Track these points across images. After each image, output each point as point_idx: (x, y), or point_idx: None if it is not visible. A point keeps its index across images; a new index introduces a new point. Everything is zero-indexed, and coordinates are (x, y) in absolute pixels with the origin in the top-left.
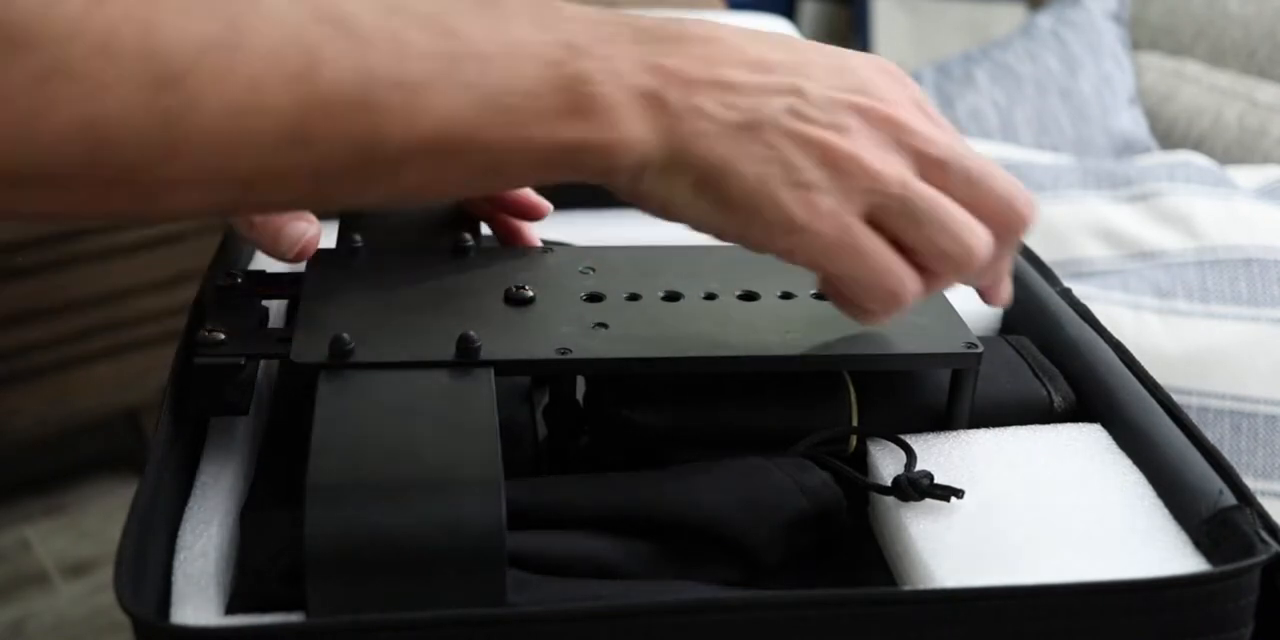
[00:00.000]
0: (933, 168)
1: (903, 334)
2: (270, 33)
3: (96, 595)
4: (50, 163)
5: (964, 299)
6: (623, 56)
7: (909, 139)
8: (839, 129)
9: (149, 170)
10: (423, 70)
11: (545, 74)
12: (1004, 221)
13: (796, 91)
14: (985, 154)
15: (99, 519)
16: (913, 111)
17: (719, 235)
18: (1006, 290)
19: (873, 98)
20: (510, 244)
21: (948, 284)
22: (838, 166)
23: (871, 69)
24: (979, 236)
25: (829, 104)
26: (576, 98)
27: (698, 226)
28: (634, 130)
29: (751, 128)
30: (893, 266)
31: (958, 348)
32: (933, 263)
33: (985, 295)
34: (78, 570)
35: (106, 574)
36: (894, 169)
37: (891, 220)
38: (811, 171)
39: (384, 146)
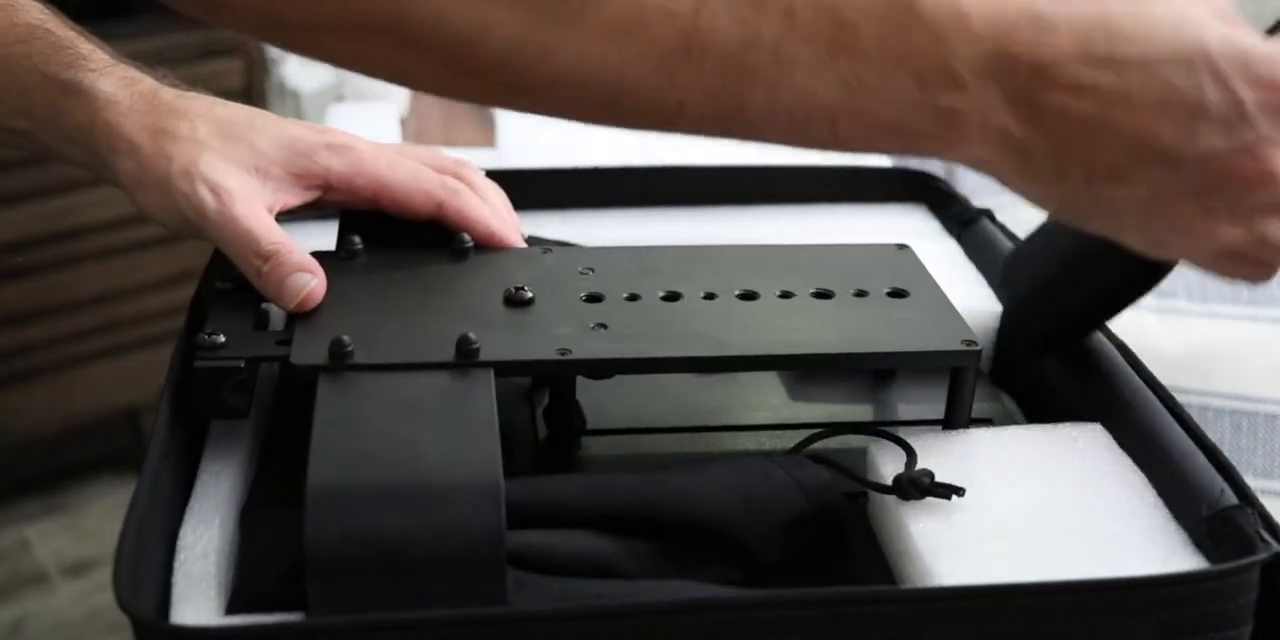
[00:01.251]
0: None
1: (901, 332)
2: None
3: (96, 595)
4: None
5: (963, 298)
6: (998, 105)
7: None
8: (1201, 202)
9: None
10: (803, 50)
11: (915, 97)
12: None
13: (1171, 162)
14: None
15: (99, 519)
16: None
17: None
18: None
19: (1256, 158)
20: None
21: None
22: (1192, 232)
23: (1268, 114)
24: None
25: (1198, 178)
26: (938, 134)
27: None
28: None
29: (1109, 203)
30: None
31: (957, 346)
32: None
33: None
34: (77, 570)
35: (106, 574)
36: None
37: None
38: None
39: (746, 104)
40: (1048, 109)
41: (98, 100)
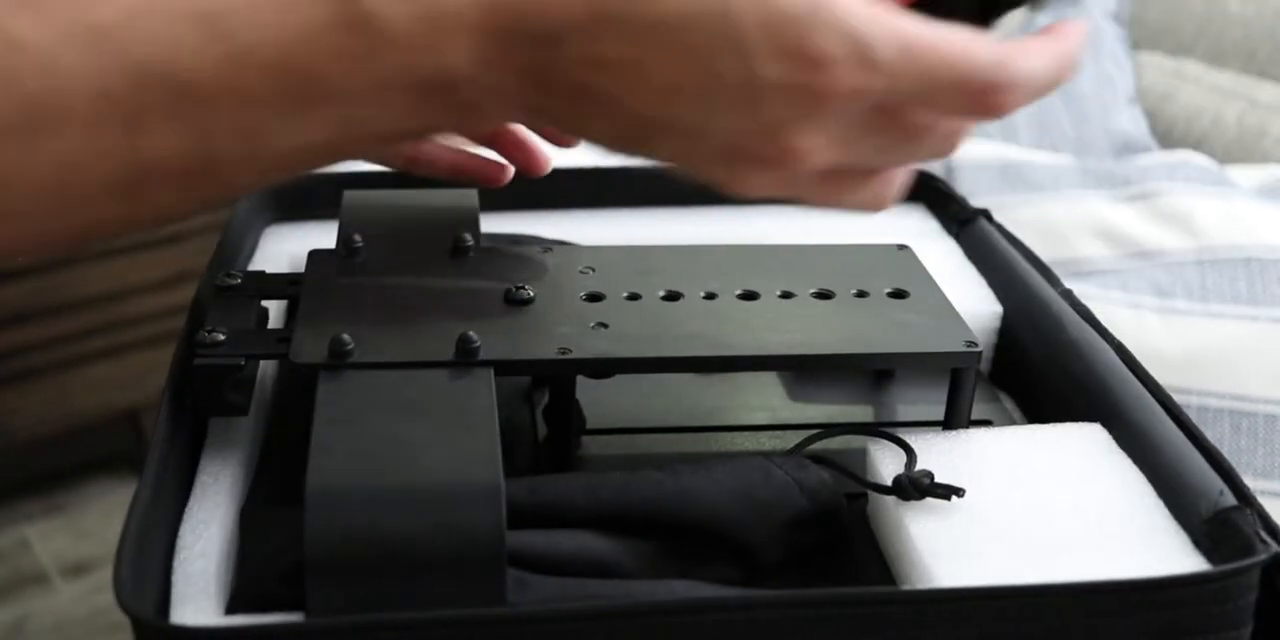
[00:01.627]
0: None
1: (902, 333)
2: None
3: (96, 595)
4: None
5: (962, 298)
6: (504, 100)
7: (807, 168)
8: (729, 165)
9: None
10: (266, 116)
11: (416, 106)
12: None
13: (692, 134)
14: (984, 154)
15: (99, 519)
16: (812, 154)
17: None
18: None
19: (773, 144)
20: (515, 160)
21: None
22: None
23: (783, 95)
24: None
25: (720, 149)
26: (446, 120)
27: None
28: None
29: (632, 151)
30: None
31: (958, 347)
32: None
33: None
34: (77, 570)
35: (106, 574)
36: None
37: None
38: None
39: (232, 186)
40: (562, 82)
41: None
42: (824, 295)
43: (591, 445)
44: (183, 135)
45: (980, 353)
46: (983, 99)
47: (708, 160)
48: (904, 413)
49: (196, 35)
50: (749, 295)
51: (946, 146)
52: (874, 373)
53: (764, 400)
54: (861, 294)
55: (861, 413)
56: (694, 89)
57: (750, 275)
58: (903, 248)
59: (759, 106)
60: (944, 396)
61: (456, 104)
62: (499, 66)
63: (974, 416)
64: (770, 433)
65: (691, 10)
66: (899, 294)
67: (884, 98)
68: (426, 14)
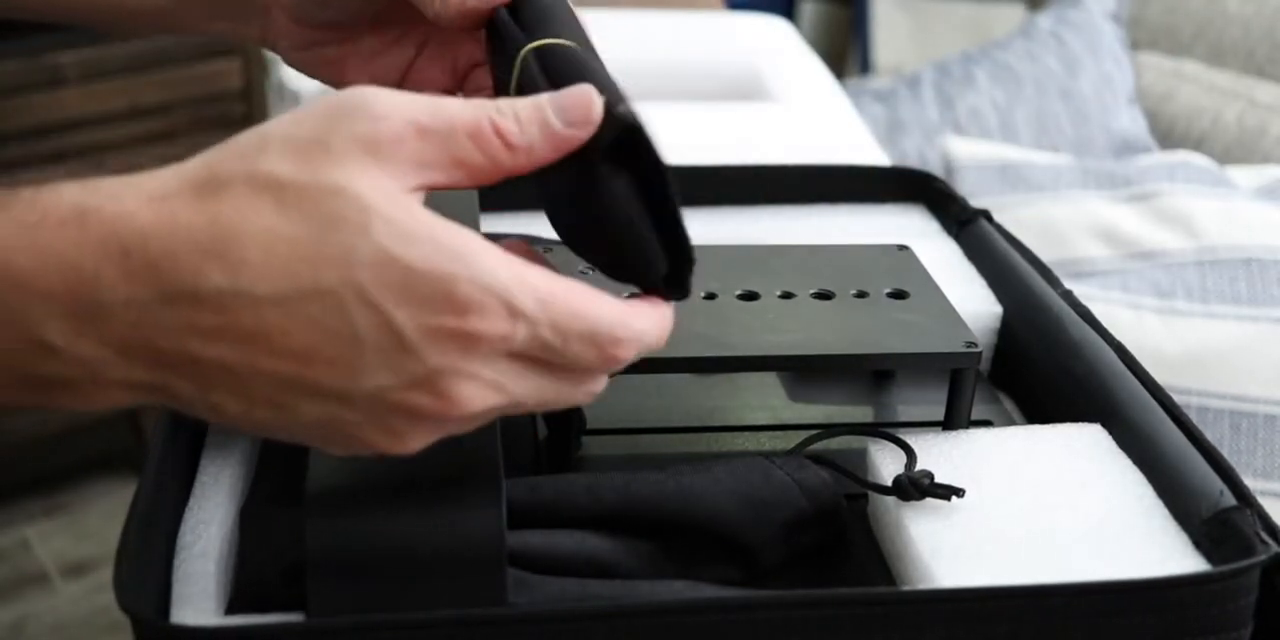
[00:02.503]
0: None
1: (902, 333)
2: None
3: (96, 595)
4: None
5: (962, 299)
6: (112, 356)
7: (451, 425)
8: (386, 431)
9: None
10: None
11: (4, 379)
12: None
13: (340, 398)
14: (984, 154)
15: (99, 519)
16: (469, 398)
17: None
18: None
19: (431, 392)
20: None
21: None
22: (371, 446)
23: (440, 341)
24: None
25: (375, 410)
26: (46, 399)
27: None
28: (127, 401)
29: (280, 424)
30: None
31: (957, 347)
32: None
33: None
34: (78, 570)
35: (106, 574)
36: (417, 445)
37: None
38: (339, 446)
39: None
40: (172, 356)
41: None
42: (824, 296)
43: (592, 445)
44: None
45: (980, 353)
46: (608, 348)
47: (362, 425)
48: (904, 413)
49: None
50: (749, 295)
51: (584, 393)
52: (874, 373)
53: (764, 400)
54: (861, 294)
55: (861, 413)
56: (335, 351)
57: (750, 275)
58: (903, 248)
59: (410, 357)
60: (944, 397)
61: (53, 381)
62: (94, 340)
63: (974, 417)
64: (770, 433)
65: (316, 280)
66: (899, 294)
67: (526, 344)
68: (17, 280)
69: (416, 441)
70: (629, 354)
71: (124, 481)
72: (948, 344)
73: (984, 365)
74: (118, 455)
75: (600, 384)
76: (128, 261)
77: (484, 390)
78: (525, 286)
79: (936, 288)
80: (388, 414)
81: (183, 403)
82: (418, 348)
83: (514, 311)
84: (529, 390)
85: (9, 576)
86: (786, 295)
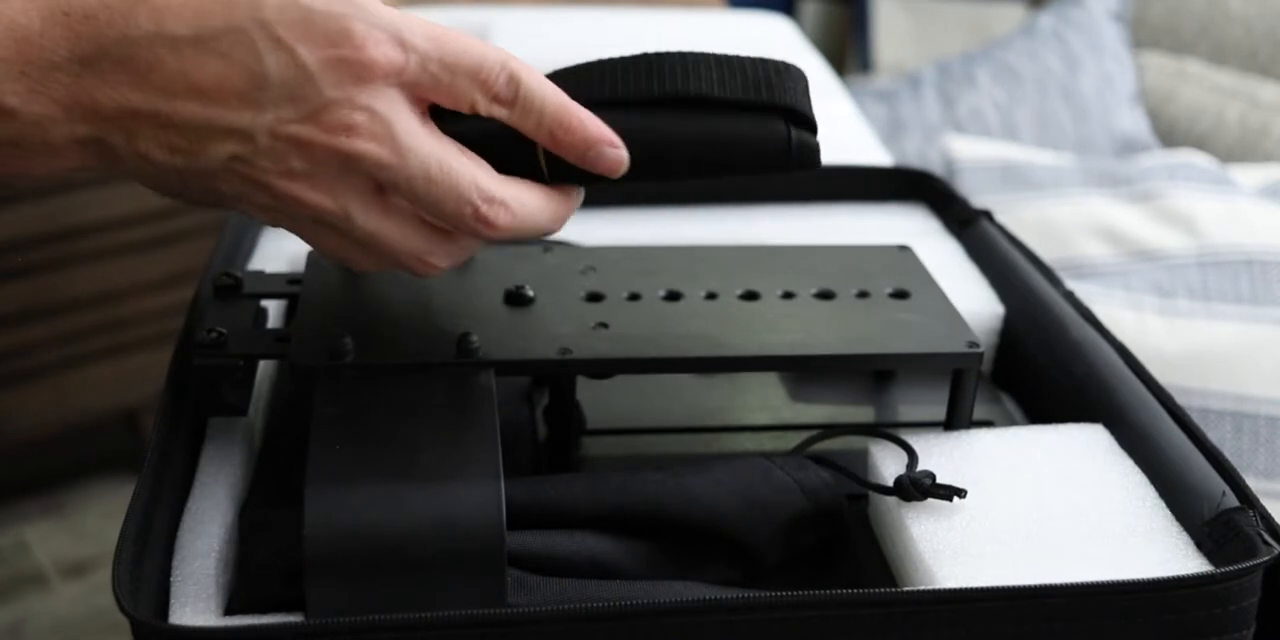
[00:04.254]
0: (393, 191)
1: (904, 334)
2: None
3: (95, 596)
4: None
5: (964, 299)
6: (57, 112)
7: (360, 166)
8: (283, 173)
9: None
10: None
11: None
12: (459, 223)
13: (242, 135)
14: (985, 154)
15: (98, 519)
16: (369, 131)
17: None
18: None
19: (326, 127)
20: None
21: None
22: (280, 200)
23: (337, 73)
24: (422, 263)
25: (274, 145)
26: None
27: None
28: (75, 162)
29: (197, 171)
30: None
31: (959, 347)
32: (398, 265)
33: None
34: (76, 571)
35: (105, 574)
36: (337, 203)
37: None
38: (257, 198)
39: None
40: (109, 109)
41: None
42: (825, 296)
43: (592, 445)
44: None
45: (982, 353)
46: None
47: (267, 171)
48: (905, 413)
49: None
50: (750, 296)
51: (444, 254)
52: (875, 373)
53: (765, 401)
54: (863, 294)
55: (863, 413)
56: (243, 84)
57: (751, 276)
58: (904, 248)
59: (310, 87)
60: (945, 398)
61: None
62: (45, 96)
63: (975, 417)
64: (771, 433)
65: (228, 19)
66: (900, 294)
67: (416, 76)
68: None
69: (322, 190)
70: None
71: (123, 481)
72: (949, 344)
73: (985, 365)
74: (117, 455)
75: (459, 255)
76: (69, 19)
77: (371, 120)
78: (415, 25)
79: (938, 288)
80: (287, 152)
81: (114, 158)
82: (317, 78)
83: (405, 44)
84: (398, 228)
85: (8, 577)
86: (788, 295)
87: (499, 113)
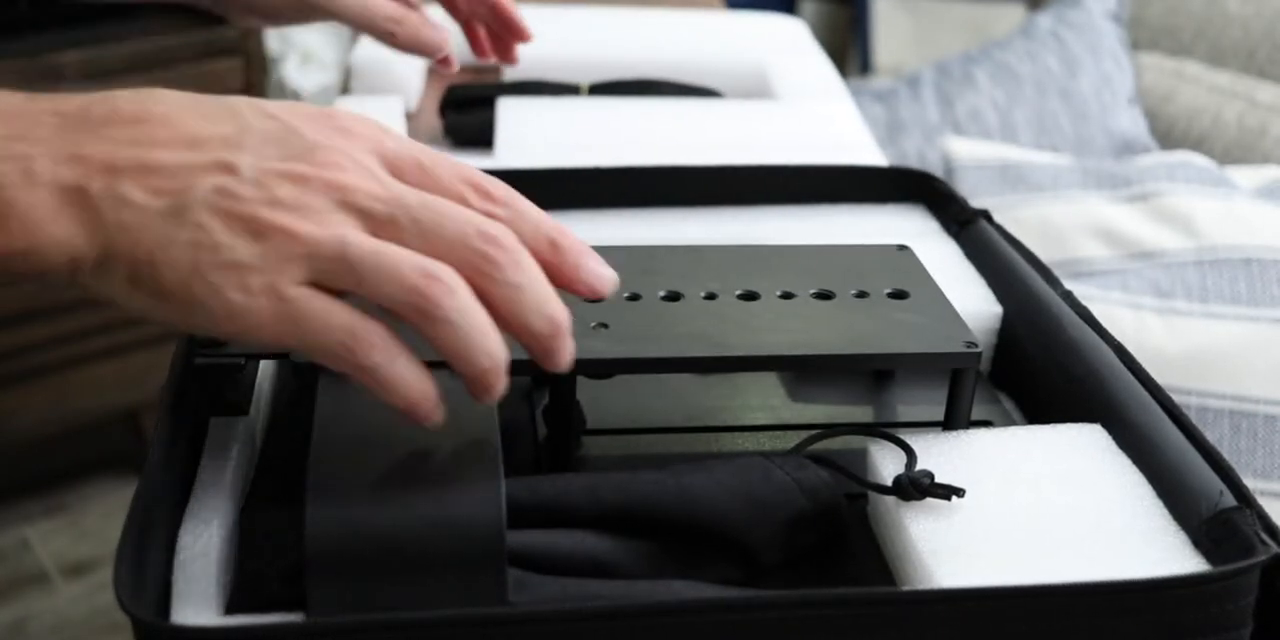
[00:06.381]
0: (383, 225)
1: (902, 333)
2: None
3: (96, 595)
4: None
5: (962, 300)
6: (40, 152)
7: (352, 198)
8: (271, 202)
9: None
10: None
11: None
12: (465, 261)
13: (227, 168)
14: (984, 154)
15: (99, 519)
16: (357, 171)
17: (176, 326)
18: (547, 345)
19: (314, 164)
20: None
21: (436, 328)
22: (268, 239)
23: (321, 128)
24: (428, 278)
25: (261, 177)
26: None
27: (149, 319)
28: (57, 232)
29: (179, 212)
30: (343, 324)
31: (957, 347)
32: (400, 312)
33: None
34: (78, 570)
35: (106, 574)
36: (329, 231)
37: (338, 281)
38: (241, 249)
39: None
40: (93, 159)
41: None
42: (824, 296)
43: (592, 445)
44: None
45: (980, 353)
46: (481, 184)
47: (255, 203)
48: (904, 413)
49: None
50: (749, 295)
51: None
52: (874, 373)
53: (764, 400)
54: (862, 294)
55: (861, 413)
56: (227, 132)
57: (750, 275)
58: (903, 248)
59: (293, 136)
60: (943, 398)
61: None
62: (23, 142)
63: (974, 417)
64: (770, 433)
65: (215, 100)
66: (899, 294)
67: (397, 152)
68: None
69: (313, 221)
70: (503, 194)
71: (124, 481)
72: (948, 344)
73: (984, 366)
74: (118, 455)
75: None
76: (62, 116)
77: (358, 164)
78: (397, 134)
79: (937, 288)
80: (276, 181)
81: (93, 204)
82: (302, 129)
83: (388, 131)
84: (397, 249)
85: (9, 576)
86: (786, 295)
87: (494, 209)
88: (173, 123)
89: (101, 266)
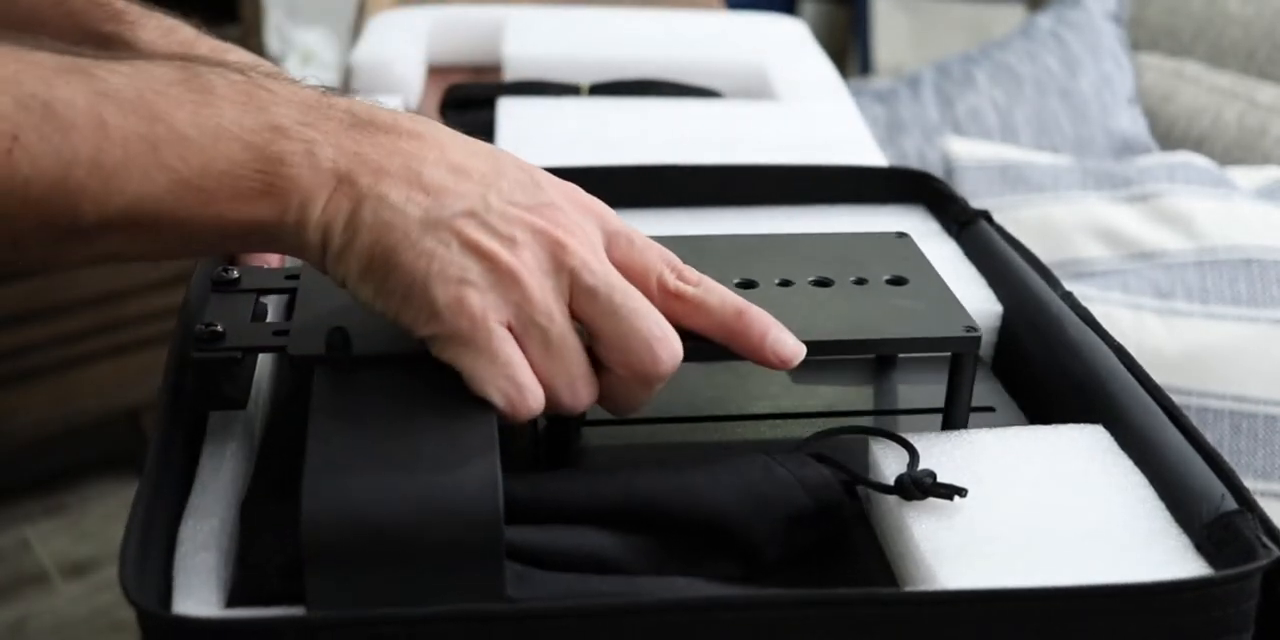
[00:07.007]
0: (584, 295)
1: (901, 318)
2: None
3: (96, 595)
4: None
5: (962, 300)
6: (325, 140)
7: (569, 261)
8: (509, 241)
9: None
10: (123, 153)
11: (244, 157)
12: (636, 362)
13: (479, 198)
14: (984, 155)
15: (99, 519)
16: (582, 237)
17: (387, 318)
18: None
19: (550, 220)
20: None
21: (569, 408)
22: (496, 274)
23: (561, 194)
24: (583, 383)
25: (507, 217)
26: (271, 180)
27: (369, 309)
28: (325, 214)
29: (428, 224)
30: (515, 377)
31: (957, 331)
32: (553, 386)
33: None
34: (78, 570)
35: (106, 574)
36: (547, 296)
37: (525, 341)
38: (472, 271)
39: (79, 222)
40: (367, 157)
41: (136, 50)
42: (823, 283)
43: (591, 436)
44: (47, 151)
45: (979, 337)
46: (680, 268)
47: (491, 227)
48: (905, 400)
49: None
50: (747, 283)
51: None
52: (875, 360)
53: (765, 389)
54: (860, 281)
55: (862, 400)
56: (485, 168)
57: (749, 263)
58: (902, 235)
59: (539, 190)
60: (944, 383)
61: (275, 157)
62: (311, 127)
63: (975, 402)
64: (771, 422)
65: (478, 143)
66: (898, 281)
67: (616, 231)
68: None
69: (536, 276)
70: (695, 276)
71: (124, 481)
72: (947, 328)
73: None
74: (118, 455)
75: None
76: (352, 115)
77: (584, 232)
78: (619, 218)
79: (935, 274)
80: (514, 224)
81: (359, 195)
82: (545, 186)
83: (614, 215)
84: (578, 344)
85: (9, 576)
86: (785, 283)
87: (685, 290)
88: (444, 148)
89: (344, 252)
